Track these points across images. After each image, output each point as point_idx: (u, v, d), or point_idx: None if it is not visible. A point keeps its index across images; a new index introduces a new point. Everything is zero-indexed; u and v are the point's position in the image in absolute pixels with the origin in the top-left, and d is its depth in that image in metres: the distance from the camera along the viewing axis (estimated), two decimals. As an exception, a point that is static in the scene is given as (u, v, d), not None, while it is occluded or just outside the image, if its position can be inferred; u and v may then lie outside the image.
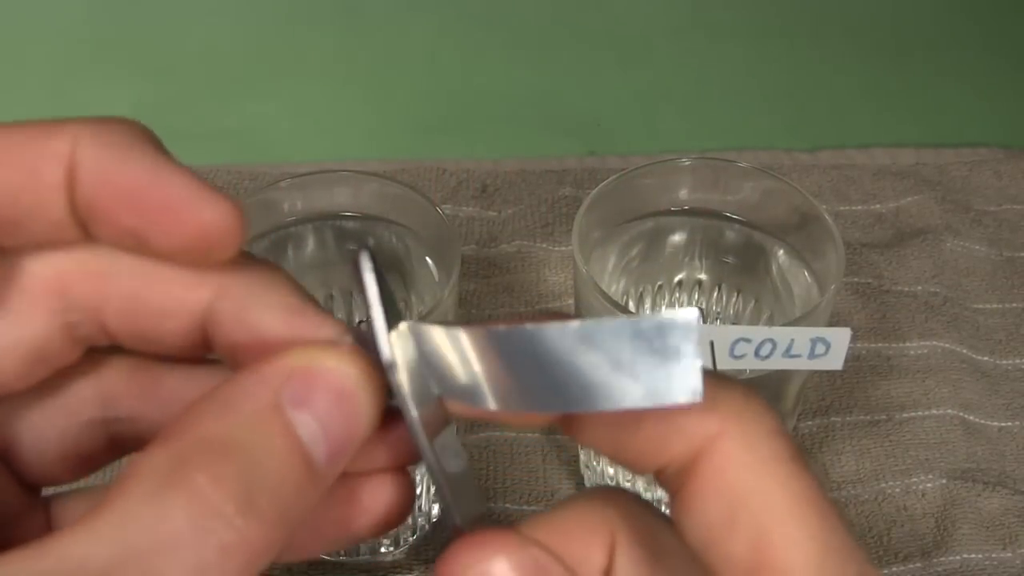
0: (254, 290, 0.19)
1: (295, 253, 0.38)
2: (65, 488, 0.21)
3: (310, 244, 0.38)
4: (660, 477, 0.18)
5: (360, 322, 0.18)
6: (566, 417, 0.18)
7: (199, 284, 0.19)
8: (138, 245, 0.18)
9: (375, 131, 0.62)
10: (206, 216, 0.17)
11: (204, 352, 0.20)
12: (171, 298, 0.19)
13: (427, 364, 0.18)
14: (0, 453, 0.20)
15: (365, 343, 0.18)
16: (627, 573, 0.19)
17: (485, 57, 0.66)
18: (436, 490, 0.18)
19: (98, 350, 0.20)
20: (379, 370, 0.18)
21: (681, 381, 0.16)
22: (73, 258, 0.18)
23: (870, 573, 0.16)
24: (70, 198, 0.17)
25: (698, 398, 0.16)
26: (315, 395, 0.17)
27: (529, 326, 0.16)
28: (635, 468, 0.18)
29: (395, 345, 0.17)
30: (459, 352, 0.17)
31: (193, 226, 0.17)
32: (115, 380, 0.20)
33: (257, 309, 0.18)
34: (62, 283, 0.18)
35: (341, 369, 0.17)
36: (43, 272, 0.18)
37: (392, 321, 0.18)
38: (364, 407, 0.17)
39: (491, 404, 0.17)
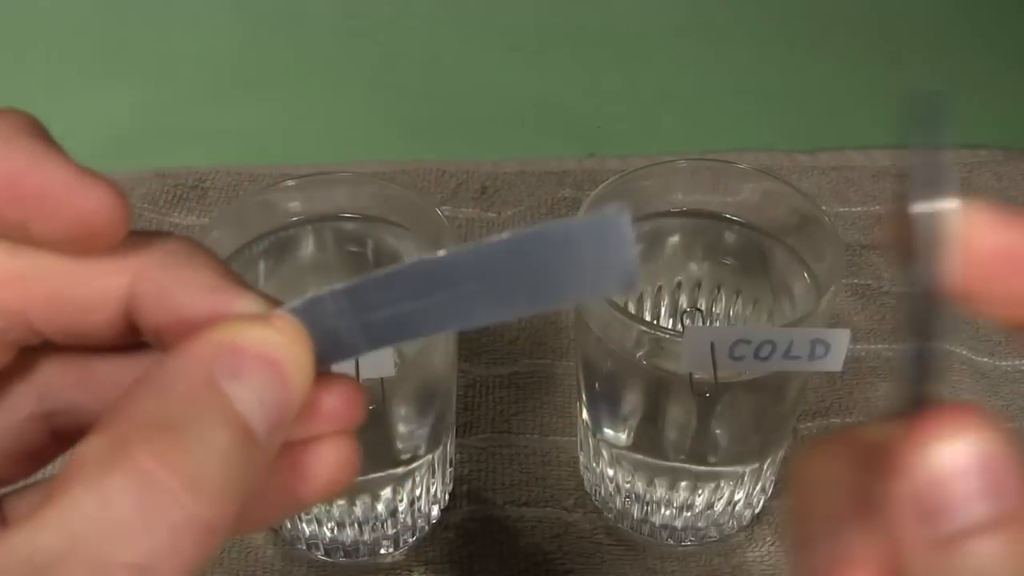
0: (171, 271, 0.18)
1: (295, 254, 0.38)
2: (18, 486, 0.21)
3: (310, 245, 0.38)
4: None
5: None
6: None
7: (115, 272, 0.18)
8: (24, 236, 0.18)
9: (375, 132, 0.62)
10: (85, 203, 0.17)
11: (135, 338, 0.19)
12: (91, 290, 0.18)
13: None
14: None
15: (911, 218, 0.17)
16: None
17: (485, 59, 0.66)
18: (913, 363, 0.17)
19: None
20: (308, 336, 0.18)
21: (615, 273, 0.17)
22: None
23: None
24: None
25: (635, 289, 0.17)
26: (246, 366, 0.17)
27: None
28: None
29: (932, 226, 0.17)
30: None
31: (72, 213, 0.17)
32: (49, 373, 0.20)
33: (177, 289, 0.18)
34: None
35: (269, 339, 0.17)
36: None
37: None
38: (296, 374, 0.17)
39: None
